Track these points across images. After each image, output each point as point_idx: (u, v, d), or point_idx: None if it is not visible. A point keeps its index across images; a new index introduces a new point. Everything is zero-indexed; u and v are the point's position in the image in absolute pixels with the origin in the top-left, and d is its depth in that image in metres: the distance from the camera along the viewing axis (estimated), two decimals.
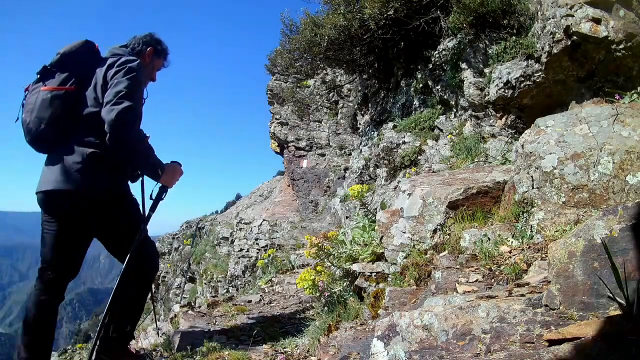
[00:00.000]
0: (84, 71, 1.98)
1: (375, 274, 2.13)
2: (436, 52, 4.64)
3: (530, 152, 1.71)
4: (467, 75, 4.01)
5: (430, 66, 4.80)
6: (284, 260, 5.36)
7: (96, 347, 2.02)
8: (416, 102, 5.37)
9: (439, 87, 4.72)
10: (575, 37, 2.65)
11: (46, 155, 2.02)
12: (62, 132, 1.92)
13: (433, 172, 3.82)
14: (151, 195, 2.17)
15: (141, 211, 2.15)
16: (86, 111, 1.93)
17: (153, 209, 2.16)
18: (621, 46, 2.50)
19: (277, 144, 10.66)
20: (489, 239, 1.69)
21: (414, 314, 1.11)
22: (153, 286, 2.83)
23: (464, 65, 4.08)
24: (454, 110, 4.51)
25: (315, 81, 9.03)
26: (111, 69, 1.95)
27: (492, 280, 1.45)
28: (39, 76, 1.97)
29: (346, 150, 9.06)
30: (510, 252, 1.58)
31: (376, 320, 1.63)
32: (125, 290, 2.01)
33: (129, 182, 2.17)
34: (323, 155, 9.53)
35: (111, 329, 2.03)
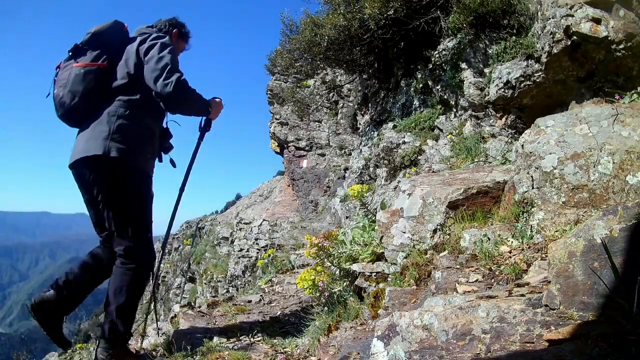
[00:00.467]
0: (114, 49, 2.09)
1: (375, 274, 2.13)
2: (436, 52, 4.64)
3: (530, 152, 1.71)
4: (467, 75, 4.01)
5: (430, 66, 4.80)
6: (284, 260, 5.36)
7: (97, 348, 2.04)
8: (416, 102, 5.37)
9: (439, 87, 4.72)
10: (575, 37, 2.65)
11: (77, 130, 2.11)
12: (94, 105, 2.03)
13: (433, 172, 3.82)
14: (200, 127, 2.40)
15: (151, 198, 2.19)
16: (115, 84, 2.05)
17: (201, 138, 2.42)
18: (621, 46, 2.50)
19: (277, 144, 10.66)
20: (489, 239, 1.69)
21: (414, 314, 1.11)
22: (153, 286, 2.83)
23: (464, 65, 4.08)
24: (454, 110, 4.51)
25: (315, 81, 9.03)
26: (143, 44, 2.06)
27: (492, 280, 1.45)
28: (70, 54, 2.05)
29: (346, 150, 9.06)
30: (510, 252, 1.58)
31: (376, 320, 1.63)
32: (120, 286, 2.04)
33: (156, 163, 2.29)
34: (323, 155, 9.53)
35: (107, 329, 2.04)
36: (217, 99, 2.37)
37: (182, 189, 2.43)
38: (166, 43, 2.08)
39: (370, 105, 6.90)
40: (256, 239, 7.85)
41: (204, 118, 2.37)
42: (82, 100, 2.01)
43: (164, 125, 2.31)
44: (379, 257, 2.23)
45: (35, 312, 2.09)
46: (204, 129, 2.40)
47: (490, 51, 3.71)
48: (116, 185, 2.02)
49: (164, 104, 2.05)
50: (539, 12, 3.06)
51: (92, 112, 2.03)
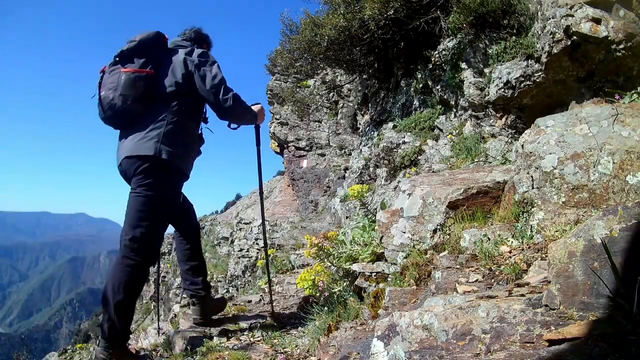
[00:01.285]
0: (158, 58, 2.25)
1: (375, 274, 2.13)
2: (436, 52, 4.64)
3: (530, 152, 1.71)
4: (467, 75, 4.01)
5: (430, 66, 4.80)
6: (284, 260, 5.36)
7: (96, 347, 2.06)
8: (416, 102, 5.37)
9: (439, 87, 4.72)
10: (575, 37, 2.65)
11: (118, 130, 2.28)
12: (143, 109, 2.17)
13: (433, 172, 3.82)
14: (257, 140, 2.73)
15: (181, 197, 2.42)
16: (163, 91, 2.21)
17: (259, 143, 2.73)
18: (621, 46, 2.50)
19: (277, 144, 10.65)
20: (489, 239, 1.69)
21: (414, 314, 1.11)
22: (153, 286, 2.86)
23: (464, 65, 4.08)
24: (454, 110, 4.51)
25: (315, 81, 9.03)
26: (190, 56, 2.27)
27: (492, 280, 1.45)
28: (117, 59, 2.19)
29: (346, 150, 9.06)
30: (510, 252, 1.58)
31: (376, 320, 1.63)
32: (119, 282, 2.07)
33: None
34: (323, 155, 9.53)
35: (106, 329, 2.05)
36: (258, 105, 2.59)
37: (261, 192, 2.91)
38: (214, 61, 2.33)
39: (370, 105, 6.90)
40: (256, 239, 7.85)
41: (254, 126, 2.64)
42: (135, 103, 2.14)
43: (199, 131, 2.48)
44: (379, 257, 2.23)
45: None
46: (257, 136, 2.72)
47: (490, 51, 3.71)
48: (160, 184, 2.16)
49: (223, 115, 2.33)
50: (539, 12, 3.06)
51: (140, 115, 2.17)
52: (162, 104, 2.20)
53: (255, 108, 2.53)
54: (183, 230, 2.61)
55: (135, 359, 2.21)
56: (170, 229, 2.55)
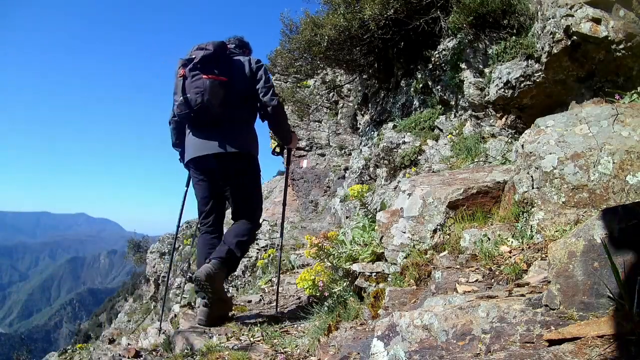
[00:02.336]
0: (226, 65, 2.55)
1: (375, 274, 2.13)
2: (436, 52, 4.64)
3: (530, 152, 1.71)
4: (467, 75, 4.01)
5: (430, 66, 4.80)
6: (284, 260, 5.36)
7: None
8: (416, 102, 5.37)
9: (439, 87, 4.72)
10: (575, 37, 2.65)
11: (193, 130, 2.59)
12: (227, 110, 2.49)
13: (433, 172, 3.82)
14: (285, 160, 3.15)
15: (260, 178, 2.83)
16: (238, 95, 2.54)
17: (289, 164, 3.15)
18: (621, 46, 2.50)
19: (277, 144, 10.62)
20: (489, 239, 1.69)
21: (414, 314, 1.11)
22: (153, 286, 2.89)
23: (464, 65, 4.08)
24: (454, 110, 4.51)
25: (315, 81, 9.03)
26: (251, 64, 2.61)
27: (492, 280, 1.45)
28: (199, 65, 2.45)
29: (346, 150, 9.06)
30: (510, 252, 1.58)
31: (376, 320, 1.63)
32: (244, 230, 2.64)
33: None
34: (323, 155, 9.53)
35: (224, 251, 2.50)
36: (294, 133, 2.95)
37: (284, 205, 3.19)
38: (267, 68, 2.73)
39: (370, 105, 6.90)
40: (256, 239, 7.85)
41: (287, 149, 3.00)
42: (221, 106, 2.46)
43: None
44: (379, 257, 2.23)
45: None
46: (289, 157, 3.09)
47: (490, 51, 3.71)
48: (256, 173, 2.71)
49: (268, 113, 2.61)
50: (539, 12, 3.06)
51: (224, 117, 2.50)
52: (239, 107, 2.57)
53: (293, 134, 2.93)
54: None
55: (225, 293, 2.65)
56: (169, 230, 2.60)
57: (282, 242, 3.06)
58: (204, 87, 2.40)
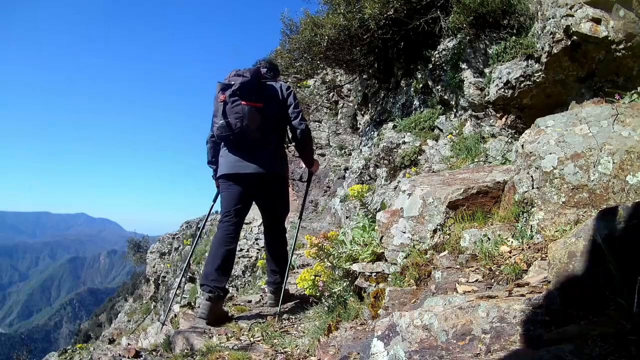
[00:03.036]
0: (261, 91, 2.78)
1: (375, 274, 2.13)
2: (436, 52, 4.63)
3: (530, 152, 1.71)
4: (467, 75, 4.01)
5: (430, 66, 4.80)
6: None
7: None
8: (416, 102, 5.37)
9: (439, 87, 4.72)
10: (575, 37, 2.65)
11: (230, 149, 2.83)
12: (262, 134, 2.74)
13: (433, 172, 3.82)
14: (303, 179, 3.73)
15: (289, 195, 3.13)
16: (272, 120, 2.79)
17: (308, 185, 3.40)
18: (621, 46, 2.50)
19: None
20: (489, 239, 1.69)
21: (414, 314, 1.11)
22: (153, 286, 2.88)
23: (464, 65, 4.08)
24: (454, 110, 4.51)
25: (315, 81, 9.03)
26: (282, 91, 2.87)
27: (492, 280, 1.45)
28: (238, 93, 2.67)
29: (346, 150, 9.05)
30: (510, 252, 1.58)
31: (376, 320, 1.63)
32: (279, 249, 3.06)
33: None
34: (323, 155, 9.52)
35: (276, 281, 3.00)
36: (317, 160, 3.22)
37: (300, 218, 3.52)
38: (296, 94, 2.94)
39: (370, 105, 6.90)
40: (256, 239, 7.85)
41: (308, 171, 3.25)
42: (258, 131, 2.70)
43: None
44: (379, 257, 2.23)
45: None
46: (309, 179, 3.36)
47: (490, 51, 3.71)
48: (285, 191, 3.05)
49: (297, 137, 2.88)
50: (539, 12, 3.06)
51: (259, 140, 2.75)
52: (273, 131, 2.82)
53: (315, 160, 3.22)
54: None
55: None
56: (169, 230, 2.60)
57: (295, 244, 3.33)
58: (243, 113, 2.63)
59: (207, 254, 3.07)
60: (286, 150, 3.12)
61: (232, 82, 2.69)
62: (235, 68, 2.83)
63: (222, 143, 2.86)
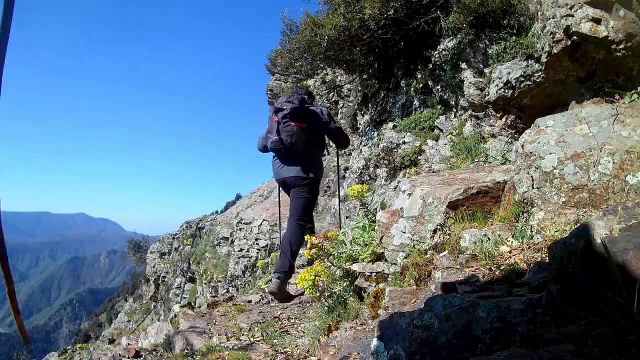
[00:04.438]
0: (306, 114, 3.46)
1: (375, 274, 2.13)
2: (436, 52, 4.63)
3: (530, 152, 1.71)
4: (467, 75, 4.01)
5: (430, 66, 4.80)
6: None
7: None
8: (416, 102, 5.37)
9: (439, 87, 4.72)
10: (575, 37, 2.65)
11: (280, 159, 3.56)
12: (305, 149, 3.43)
13: (433, 172, 3.82)
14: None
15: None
16: (313, 137, 3.49)
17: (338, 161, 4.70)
18: (621, 46, 2.50)
19: None
20: (489, 239, 1.69)
21: (414, 314, 1.11)
22: (153, 286, 2.87)
23: (464, 65, 4.08)
24: (454, 110, 4.51)
25: (315, 81, 9.03)
26: (323, 113, 3.61)
27: (492, 280, 1.44)
28: (287, 112, 3.35)
29: (346, 150, 9.05)
30: (510, 252, 1.58)
31: (376, 320, 1.63)
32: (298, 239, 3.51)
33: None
34: (323, 155, 9.52)
35: (286, 266, 3.34)
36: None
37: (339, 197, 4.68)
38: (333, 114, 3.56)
39: (370, 105, 6.90)
40: (256, 239, 7.85)
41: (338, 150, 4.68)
42: (304, 147, 3.41)
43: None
44: (379, 257, 2.23)
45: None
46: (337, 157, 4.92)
47: (490, 51, 3.71)
48: (316, 189, 3.68)
49: (340, 148, 4.41)
50: (539, 12, 3.06)
51: (303, 152, 3.44)
52: (314, 145, 3.54)
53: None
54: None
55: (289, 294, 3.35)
56: (169, 230, 2.59)
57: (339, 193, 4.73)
58: (292, 132, 3.34)
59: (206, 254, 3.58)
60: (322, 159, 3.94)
61: (284, 107, 3.37)
62: (284, 95, 3.78)
63: (274, 155, 3.61)
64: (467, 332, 1.01)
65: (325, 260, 2.37)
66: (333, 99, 9.48)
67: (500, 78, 3.41)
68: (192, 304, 3.67)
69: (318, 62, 6.16)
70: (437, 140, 4.53)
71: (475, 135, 3.89)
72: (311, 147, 3.53)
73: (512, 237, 1.65)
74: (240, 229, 8.45)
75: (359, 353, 1.51)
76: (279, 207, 4.35)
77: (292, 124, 3.34)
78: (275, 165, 3.63)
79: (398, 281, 1.91)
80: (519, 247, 1.58)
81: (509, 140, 3.55)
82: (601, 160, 1.52)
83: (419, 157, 4.55)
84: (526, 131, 1.85)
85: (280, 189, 3.86)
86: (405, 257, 1.98)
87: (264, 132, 3.68)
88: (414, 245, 1.99)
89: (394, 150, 4.90)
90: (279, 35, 6.49)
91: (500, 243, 1.65)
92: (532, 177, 1.68)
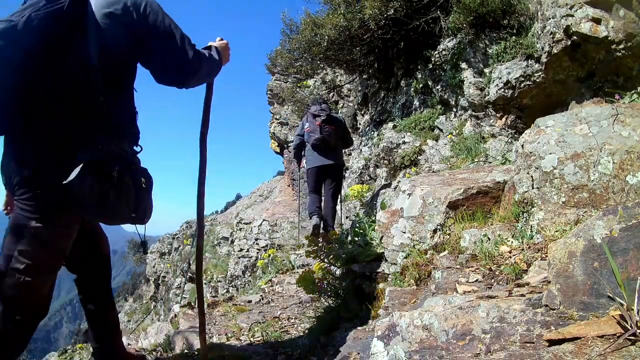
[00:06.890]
0: (333, 119, 4.79)
1: (375, 274, 2.13)
2: (436, 52, 4.63)
3: (530, 152, 1.71)
4: (467, 75, 4.01)
5: (430, 66, 4.80)
6: (284, 260, 5.36)
7: None
8: (416, 102, 5.37)
9: (439, 87, 4.72)
10: (575, 37, 2.65)
11: (317, 152, 4.74)
12: (336, 143, 4.76)
13: (433, 172, 3.82)
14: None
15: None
16: (338, 135, 4.79)
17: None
18: (621, 46, 2.50)
19: (277, 144, 10.64)
20: (489, 239, 1.69)
21: (414, 314, 1.11)
22: (153, 286, 2.85)
23: (464, 65, 4.08)
24: (454, 110, 4.51)
25: (315, 81, 9.03)
26: (342, 120, 5.09)
27: (492, 280, 1.45)
28: (324, 119, 4.65)
29: (346, 150, 9.05)
30: (510, 252, 1.58)
31: (376, 320, 1.63)
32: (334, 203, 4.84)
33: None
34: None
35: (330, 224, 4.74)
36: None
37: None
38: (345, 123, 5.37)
39: (370, 105, 6.90)
40: (256, 239, 7.85)
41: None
42: (335, 143, 4.74)
43: None
44: (379, 257, 2.23)
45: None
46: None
47: (490, 51, 3.71)
48: (342, 174, 5.04)
49: (348, 147, 5.56)
50: (539, 12, 3.06)
51: (334, 146, 4.74)
52: (340, 140, 4.86)
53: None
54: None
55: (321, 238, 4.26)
56: (169, 230, 2.56)
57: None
58: (329, 132, 4.64)
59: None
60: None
61: (321, 114, 4.65)
62: (316, 102, 4.93)
63: (312, 148, 4.73)
64: (467, 332, 1.01)
65: (325, 260, 2.37)
66: (333, 99, 9.47)
67: (500, 78, 3.41)
68: (192, 304, 3.66)
69: (318, 62, 6.16)
70: (437, 140, 4.53)
71: (475, 135, 3.89)
72: (338, 142, 4.85)
73: (512, 237, 1.66)
74: (240, 229, 8.46)
75: (359, 353, 1.51)
76: (298, 199, 6.68)
77: (328, 126, 4.66)
78: (315, 157, 4.80)
79: (398, 281, 1.92)
80: (519, 247, 1.58)
81: (509, 140, 3.55)
82: (601, 160, 1.52)
83: (419, 157, 4.55)
84: (526, 131, 1.85)
85: (315, 173, 4.84)
86: (405, 257, 1.98)
87: (299, 133, 4.95)
88: (414, 245, 1.99)
89: (394, 150, 4.90)
90: (279, 35, 6.49)
91: (500, 243, 1.65)
92: (532, 177, 1.68)
